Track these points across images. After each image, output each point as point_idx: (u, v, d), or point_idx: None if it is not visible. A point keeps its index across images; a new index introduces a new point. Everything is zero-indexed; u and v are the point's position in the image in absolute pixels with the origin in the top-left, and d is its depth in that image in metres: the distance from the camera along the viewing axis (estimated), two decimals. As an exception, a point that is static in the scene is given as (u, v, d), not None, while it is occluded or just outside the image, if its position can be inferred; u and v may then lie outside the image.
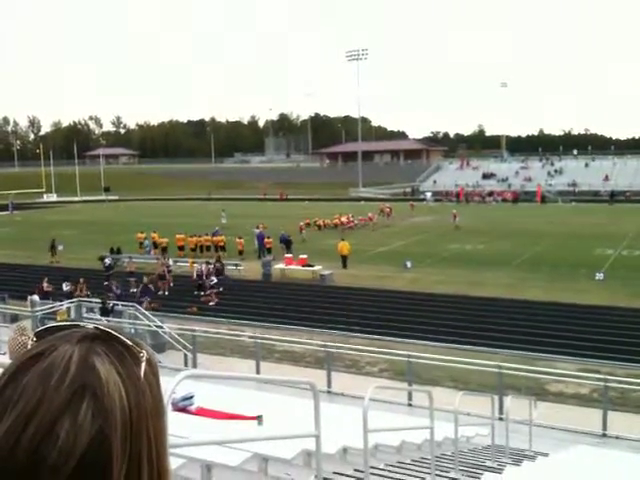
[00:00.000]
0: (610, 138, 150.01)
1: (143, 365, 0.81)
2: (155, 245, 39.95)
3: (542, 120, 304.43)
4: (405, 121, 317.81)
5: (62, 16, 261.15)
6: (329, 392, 14.66)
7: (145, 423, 0.79)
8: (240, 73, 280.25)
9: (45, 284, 25.53)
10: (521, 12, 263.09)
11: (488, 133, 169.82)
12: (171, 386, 2.98)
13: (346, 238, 35.98)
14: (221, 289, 28.19)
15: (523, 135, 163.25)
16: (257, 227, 39.76)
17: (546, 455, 9.99)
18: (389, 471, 6.63)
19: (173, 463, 4.43)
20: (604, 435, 12.58)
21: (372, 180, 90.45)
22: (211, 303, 26.01)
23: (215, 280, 26.79)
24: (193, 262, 32.18)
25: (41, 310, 20.11)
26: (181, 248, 38.68)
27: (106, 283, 26.98)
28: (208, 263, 29.78)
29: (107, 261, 31.54)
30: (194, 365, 16.80)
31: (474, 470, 7.57)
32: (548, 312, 23.14)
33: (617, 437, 12.40)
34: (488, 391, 13.12)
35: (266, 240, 37.32)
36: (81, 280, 26.14)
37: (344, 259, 33.12)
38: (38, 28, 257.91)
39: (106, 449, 0.74)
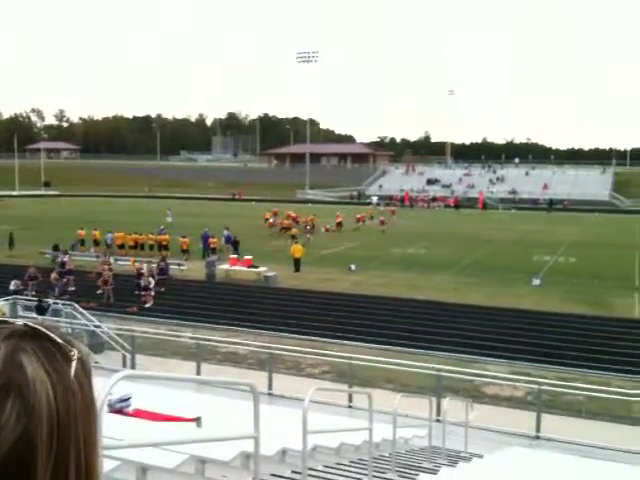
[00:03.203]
0: (550, 148, 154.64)
1: (74, 364, 0.80)
2: (96, 243, 39.14)
3: (486, 129, 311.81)
4: (353, 125, 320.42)
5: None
6: (270, 394, 14.64)
7: (74, 424, 0.78)
8: (188, 70, 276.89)
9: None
10: (468, 21, 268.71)
11: (434, 139, 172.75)
12: (107, 387, 2.93)
13: (298, 240, 36.02)
14: (162, 289, 27.78)
15: (467, 143, 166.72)
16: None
17: (481, 456, 10.22)
18: (327, 472, 6.67)
19: (107, 465, 4.36)
20: (537, 437, 12.96)
21: (319, 182, 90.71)
22: (147, 305, 25.38)
23: (153, 283, 26.10)
24: (135, 261, 31.64)
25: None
26: (121, 246, 38.03)
27: (65, 280, 26.50)
28: (151, 263, 29.28)
29: (64, 258, 30.54)
30: (133, 366, 16.51)
31: (410, 471, 7.69)
32: (485, 316, 23.70)
33: (549, 439, 12.79)
34: (426, 393, 13.34)
35: (210, 240, 37.00)
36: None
37: (297, 262, 32.95)
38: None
39: (31, 449, 0.73)
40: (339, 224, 50.47)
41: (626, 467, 10.20)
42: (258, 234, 45.38)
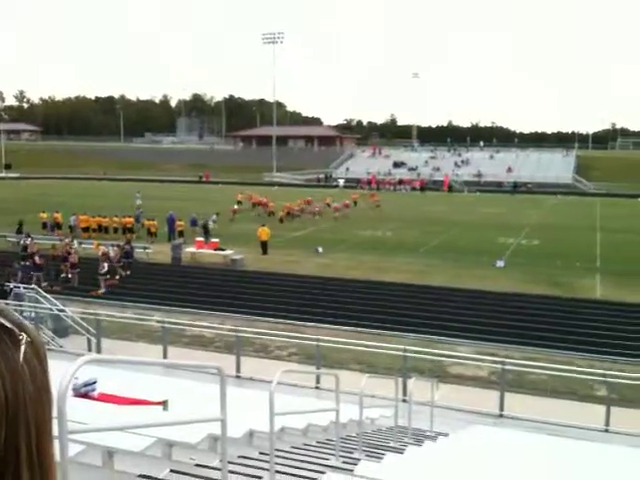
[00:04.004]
0: (514, 131, 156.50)
1: (23, 348, 0.78)
2: (59, 226, 38.50)
3: (451, 112, 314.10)
4: (320, 107, 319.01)
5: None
6: (238, 377, 14.65)
7: (24, 409, 0.76)
8: (150, 49, 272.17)
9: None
10: (434, 5, 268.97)
11: (400, 122, 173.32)
12: (70, 371, 2.88)
13: (267, 223, 35.80)
14: (128, 272, 27.49)
15: (433, 126, 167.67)
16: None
17: (446, 435, 10.38)
18: (294, 453, 6.70)
19: (72, 449, 4.30)
20: (501, 416, 13.22)
21: (286, 165, 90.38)
22: (100, 291, 24.77)
23: (105, 268, 25.36)
24: (99, 244, 31.18)
25: None
26: (85, 229, 37.53)
27: (23, 263, 26.00)
28: (119, 247, 28.86)
29: (26, 241, 29.97)
30: (98, 350, 16.34)
31: (377, 450, 7.78)
32: (451, 298, 23.99)
33: (513, 417, 13.06)
34: (393, 374, 13.48)
35: (178, 223, 36.66)
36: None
37: (264, 245, 32.87)
38: None
39: None
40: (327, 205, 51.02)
41: (588, 444, 10.48)
42: (226, 217, 45.05)
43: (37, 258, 25.70)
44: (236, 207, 47.98)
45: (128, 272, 27.53)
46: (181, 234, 35.86)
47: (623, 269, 29.72)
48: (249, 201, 52.92)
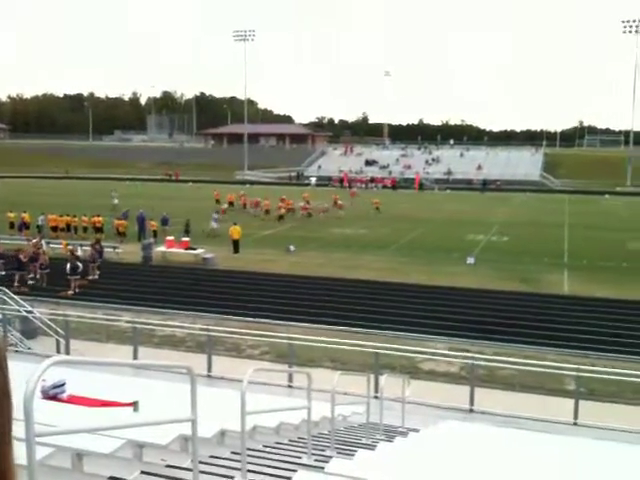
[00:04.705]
0: (484, 130, 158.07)
1: None
2: (26, 226, 37.85)
3: (422, 110, 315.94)
4: (291, 105, 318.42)
5: None
6: (209, 376, 14.59)
7: None
8: (120, 47, 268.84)
9: (22, 256, 25.71)
10: (405, 5, 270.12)
11: (371, 121, 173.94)
12: (38, 373, 2.86)
13: (237, 222, 35.63)
14: (98, 273, 27.15)
15: (404, 124, 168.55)
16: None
17: (417, 431, 10.46)
18: (266, 452, 6.72)
19: (41, 452, 4.26)
20: (471, 411, 13.37)
21: (258, 163, 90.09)
22: (69, 292, 24.37)
23: (68, 268, 24.87)
24: (67, 244, 30.78)
25: None
26: (54, 229, 36.99)
27: None
28: (92, 246, 28.46)
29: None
30: (67, 351, 16.14)
31: (349, 447, 7.82)
32: (422, 294, 24.18)
33: (483, 412, 13.22)
34: (366, 371, 13.55)
35: (151, 223, 36.28)
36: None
37: (235, 243, 32.81)
38: None
39: None
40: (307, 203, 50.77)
41: (557, 437, 10.65)
42: (198, 216, 44.73)
43: (22, 256, 25.36)
44: (225, 206, 48.07)
45: (98, 272, 27.15)
46: (155, 234, 35.52)
47: (589, 265, 30.26)
48: (239, 200, 52.73)
